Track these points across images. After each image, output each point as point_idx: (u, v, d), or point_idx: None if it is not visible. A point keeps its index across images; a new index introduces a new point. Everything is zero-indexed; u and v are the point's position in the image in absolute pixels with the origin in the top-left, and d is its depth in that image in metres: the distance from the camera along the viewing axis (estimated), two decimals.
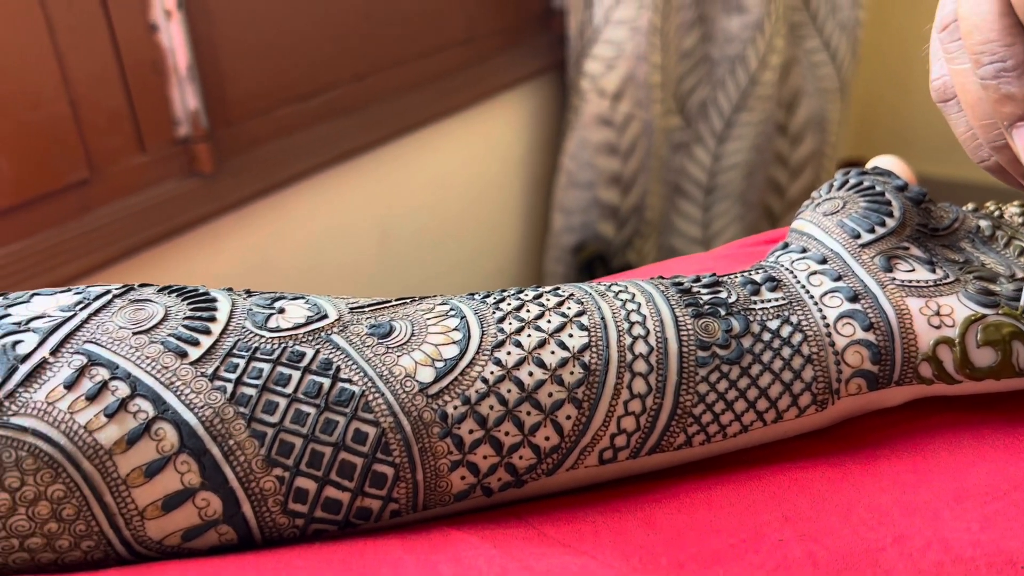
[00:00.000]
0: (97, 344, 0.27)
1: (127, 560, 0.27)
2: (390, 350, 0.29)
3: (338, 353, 0.28)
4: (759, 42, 1.26)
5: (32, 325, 0.28)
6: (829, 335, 0.31)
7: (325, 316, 0.30)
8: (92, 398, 0.26)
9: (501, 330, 0.29)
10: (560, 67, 1.23)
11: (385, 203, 1.01)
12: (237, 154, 0.83)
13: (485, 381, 0.28)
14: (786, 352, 0.30)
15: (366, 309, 0.30)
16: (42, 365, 0.27)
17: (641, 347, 0.29)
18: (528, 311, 0.30)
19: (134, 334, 0.28)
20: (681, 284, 0.32)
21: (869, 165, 0.39)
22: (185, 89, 0.77)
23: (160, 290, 0.30)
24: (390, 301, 0.31)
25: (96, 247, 0.71)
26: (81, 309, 0.29)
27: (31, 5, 0.66)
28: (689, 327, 0.30)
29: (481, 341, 0.29)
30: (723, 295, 0.31)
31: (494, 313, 0.30)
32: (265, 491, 0.27)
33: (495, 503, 0.29)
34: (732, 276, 0.33)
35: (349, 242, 0.98)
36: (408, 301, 0.31)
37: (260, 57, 0.85)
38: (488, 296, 0.31)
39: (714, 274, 0.33)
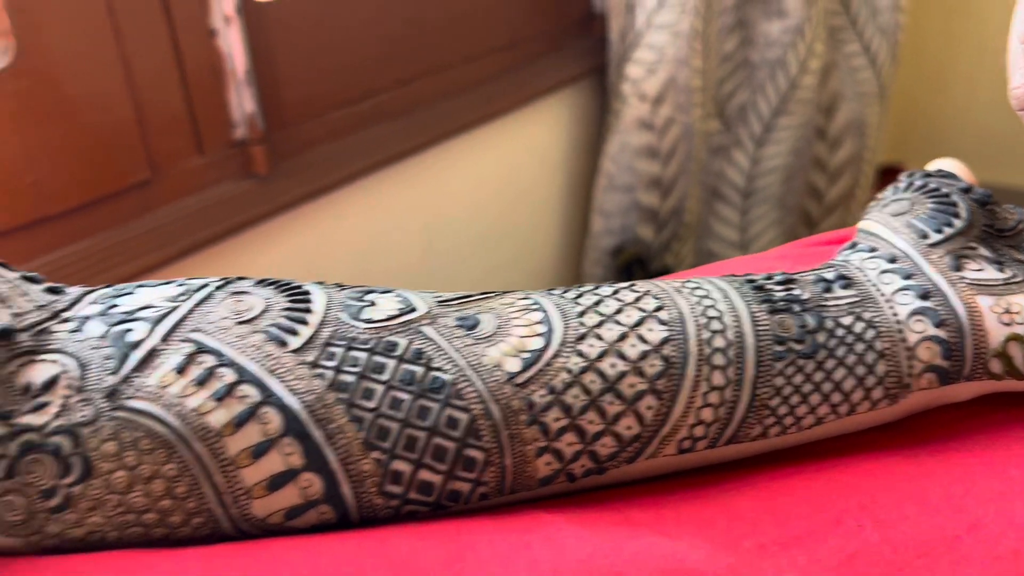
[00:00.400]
0: (203, 333, 0.29)
1: (232, 537, 0.28)
2: (478, 341, 0.30)
3: (429, 344, 0.30)
4: (800, 46, 1.26)
5: (140, 315, 0.30)
6: (901, 331, 0.31)
7: (414, 309, 0.31)
8: (201, 383, 0.28)
9: (582, 324, 0.31)
10: (600, 71, 1.24)
11: (430, 205, 1.03)
12: (290, 156, 0.85)
13: (569, 372, 0.29)
14: (859, 347, 0.31)
15: (452, 303, 0.32)
16: (153, 352, 0.28)
17: (719, 341, 0.30)
18: (607, 306, 0.31)
19: (237, 324, 0.29)
20: (754, 281, 0.33)
21: (930, 168, 0.40)
22: (242, 93, 0.79)
23: (257, 283, 0.32)
24: (473, 295, 0.33)
25: (156, 246, 0.73)
26: (185, 300, 0.30)
27: (100, 12, 0.68)
28: (765, 323, 0.31)
29: (564, 334, 0.30)
30: (797, 292, 0.32)
31: (574, 308, 0.31)
32: (364, 473, 0.28)
33: (577, 489, 0.31)
34: (804, 274, 0.34)
35: (395, 242, 1.00)
36: (491, 295, 0.33)
37: (313, 62, 0.87)
38: (567, 291, 0.33)
39: (785, 272, 0.34)
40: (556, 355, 0.30)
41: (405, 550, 0.26)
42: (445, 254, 1.07)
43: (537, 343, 0.30)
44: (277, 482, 0.28)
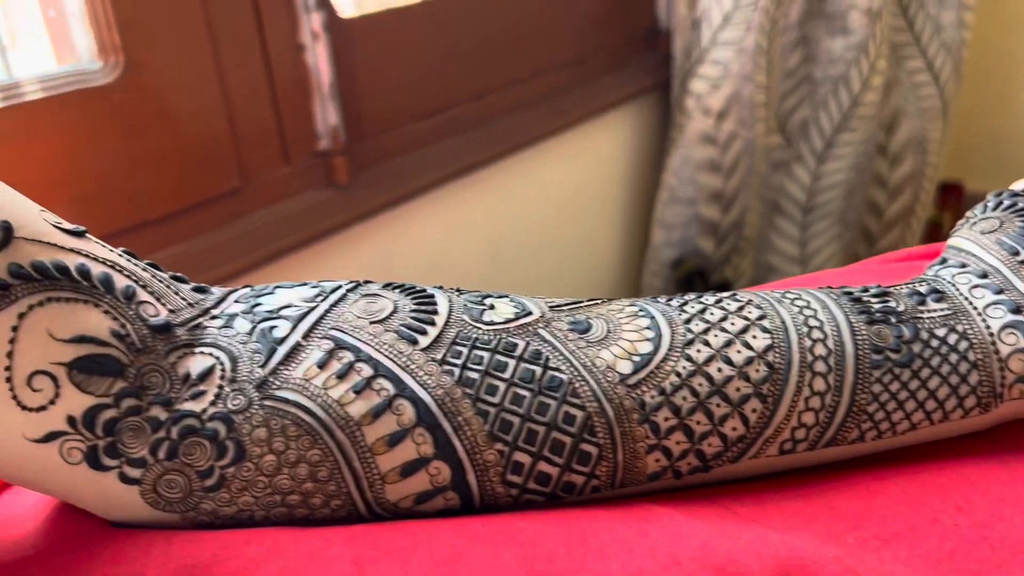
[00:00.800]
0: (341, 331, 0.32)
1: (365, 519, 0.31)
2: (591, 344, 0.32)
3: (545, 345, 0.32)
4: (863, 63, 1.27)
5: (283, 313, 0.32)
6: (993, 343, 0.33)
7: (530, 313, 0.33)
8: (342, 377, 0.30)
9: (689, 330, 0.33)
10: (664, 86, 1.26)
11: (498, 215, 1.06)
12: (369, 167, 0.88)
13: (678, 375, 0.31)
14: (953, 358, 0.33)
15: (564, 308, 0.34)
16: (297, 347, 0.31)
17: (820, 349, 0.32)
18: (712, 314, 0.33)
19: (370, 323, 0.32)
20: (851, 293, 0.35)
21: (1016, 187, 0.41)
22: (327, 106, 0.82)
23: (384, 286, 0.34)
24: (582, 301, 0.35)
25: (245, 251, 0.77)
26: (321, 300, 0.33)
27: (200, 29, 0.72)
28: (863, 332, 0.33)
29: (672, 339, 0.32)
30: (892, 304, 0.34)
31: (680, 315, 0.33)
32: (488, 462, 0.30)
33: (681, 486, 0.33)
34: (898, 287, 0.35)
35: (464, 250, 1.03)
36: (598, 302, 0.35)
37: (392, 76, 0.90)
38: (670, 300, 0.35)
39: (879, 285, 0.35)
40: (665, 359, 0.32)
41: (531, 532, 0.28)
42: (511, 262, 1.10)
43: (647, 347, 0.32)
44: (409, 469, 0.30)
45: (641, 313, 0.34)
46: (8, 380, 0.28)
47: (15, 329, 0.28)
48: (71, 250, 0.30)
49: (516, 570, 0.27)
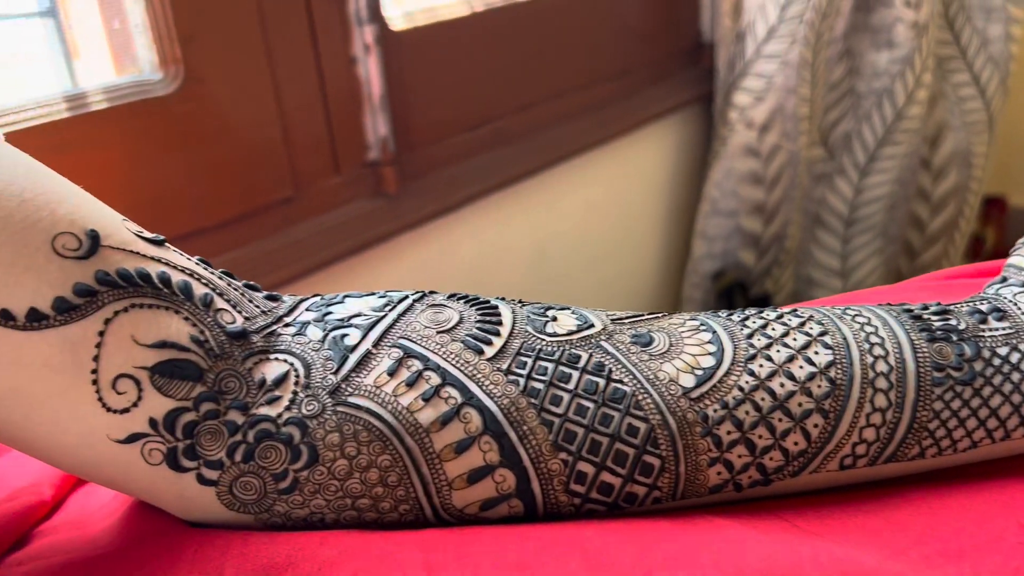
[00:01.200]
0: (409, 340, 0.32)
1: (431, 524, 0.32)
2: (653, 357, 0.33)
3: (608, 358, 0.33)
4: (908, 77, 1.26)
5: (353, 322, 0.33)
6: None
7: (592, 325, 0.34)
8: (411, 384, 0.31)
9: (751, 345, 0.33)
10: (707, 99, 1.26)
11: (541, 225, 1.07)
12: (417, 177, 0.89)
13: (741, 389, 0.32)
14: (1016, 376, 0.33)
15: (625, 321, 0.35)
16: (368, 355, 0.32)
17: (882, 366, 0.33)
18: (774, 329, 0.34)
19: (437, 333, 0.33)
20: (912, 311, 0.35)
21: None
22: (377, 117, 0.84)
23: (449, 297, 0.35)
24: (643, 315, 0.35)
25: (296, 258, 0.78)
26: (390, 310, 0.34)
27: (257, 42, 0.74)
28: (924, 350, 0.33)
29: (735, 354, 0.33)
30: (953, 322, 0.34)
31: (742, 330, 0.34)
32: (552, 471, 0.31)
33: (742, 499, 0.33)
34: (958, 305, 0.35)
35: (508, 260, 1.04)
36: (659, 316, 0.35)
37: (440, 88, 0.91)
38: (731, 315, 0.35)
39: (939, 303, 0.36)
40: (728, 373, 0.32)
41: (597, 541, 0.29)
42: (553, 272, 1.10)
43: (709, 361, 0.33)
44: (475, 476, 0.31)
45: (703, 327, 0.34)
46: (94, 383, 0.29)
47: (101, 334, 0.29)
48: (152, 258, 0.31)
49: None
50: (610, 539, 0.29)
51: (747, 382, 0.32)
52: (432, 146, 0.92)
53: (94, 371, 0.29)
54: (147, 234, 0.33)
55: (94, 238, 0.30)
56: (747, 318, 0.35)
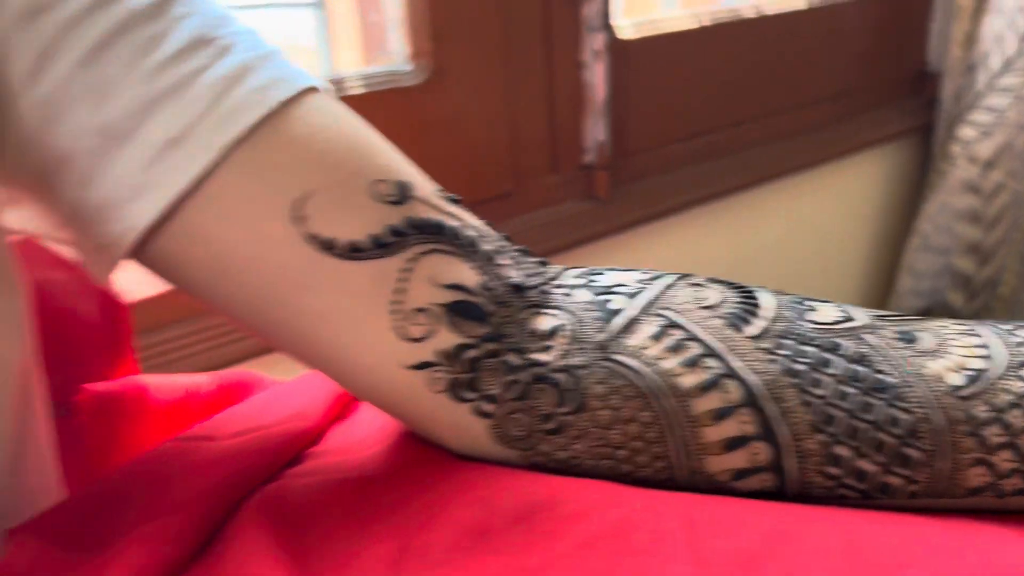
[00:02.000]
0: (672, 311, 0.34)
1: (680, 486, 0.33)
2: (918, 354, 0.33)
3: (872, 350, 0.33)
4: None
5: (617, 290, 0.35)
6: None
7: (854, 319, 0.34)
8: (673, 350, 0.33)
9: (1022, 353, 0.32)
10: (926, 130, 1.21)
11: (740, 243, 1.06)
12: (628, 183, 0.91)
13: (1012, 394, 0.31)
14: None
15: (889, 318, 0.35)
16: (633, 320, 0.34)
17: None
18: None
19: (699, 308, 0.34)
20: None
21: None
22: (597, 121, 0.87)
23: (708, 279, 0.36)
24: (907, 315, 0.35)
25: None
26: (652, 283, 0.36)
27: (496, 42, 0.78)
28: None
29: (1009, 360, 0.32)
30: None
31: (1011, 338, 0.33)
32: (808, 451, 0.32)
33: (1001, 507, 0.32)
34: None
35: (704, 275, 1.03)
36: (924, 318, 0.35)
37: (658, 98, 0.93)
38: (997, 324, 0.35)
39: None
40: (1001, 377, 0.32)
41: (856, 523, 0.29)
42: None
43: (979, 363, 0.32)
44: (731, 444, 0.32)
45: (971, 332, 0.34)
46: (396, 312, 0.32)
47: (405, 271, 0.33)
48: (449, 213, 0.35)
49: (840, 556, 0.28)
50: (867, 526, 0.29)
51: (1020, 388, 0.31)
52: (644, 154, 0.93)
53: (395, 303, 0.32)
54: (446, 193, 0.36)
55: (405, 188, 0.34)
56: (1015, 328, 0.34)
